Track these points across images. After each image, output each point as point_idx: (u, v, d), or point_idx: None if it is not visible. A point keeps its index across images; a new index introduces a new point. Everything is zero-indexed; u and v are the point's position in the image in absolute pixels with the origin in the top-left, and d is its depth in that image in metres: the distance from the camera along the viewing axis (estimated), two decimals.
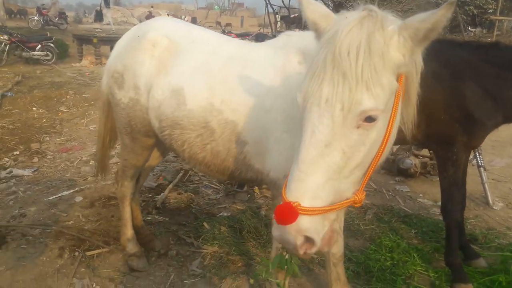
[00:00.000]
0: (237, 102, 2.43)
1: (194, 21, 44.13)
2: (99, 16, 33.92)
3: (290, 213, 1.34)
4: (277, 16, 25.96)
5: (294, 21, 24.93)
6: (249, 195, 5.00)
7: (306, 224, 1.35)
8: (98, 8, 30.78)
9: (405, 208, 4.93)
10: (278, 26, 25.27)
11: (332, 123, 1.37)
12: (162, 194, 4.86)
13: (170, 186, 5.04)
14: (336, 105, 1.35)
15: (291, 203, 1.34)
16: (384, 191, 5.44)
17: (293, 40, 2.47)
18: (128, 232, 3.50)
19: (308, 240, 1.38)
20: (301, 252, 1.40)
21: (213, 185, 5.22)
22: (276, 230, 1.41)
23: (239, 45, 2.75)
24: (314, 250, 1.41)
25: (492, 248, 4.15)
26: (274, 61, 2.42)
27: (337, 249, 2.90)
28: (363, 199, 1.52)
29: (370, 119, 1.38)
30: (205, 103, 2.50)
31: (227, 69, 2.53)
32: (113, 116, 3.20)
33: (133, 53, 2.88)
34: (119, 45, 3.12)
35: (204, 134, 2.52)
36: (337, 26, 1.43)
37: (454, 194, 3.31)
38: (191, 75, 2.62)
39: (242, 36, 21.03)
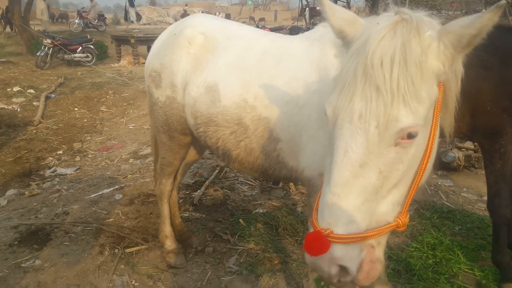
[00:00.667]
0: (271, 98, 2.37)
1: (228, 17, 44.37)
2: (137, 17, 34.84)
3: (320, 243, 1.24)
4: (306, 8, 25.75)
5: (319, 13, 24.65)
6: (284, 192, 4.95)
7: (339, 253, 1.25)
8: (126, 7, 31.88)
9: (448, 204, 4.74)
10: (308, 18, 25.08)
11: (366, 141, 1.25)
12: (198, 191, 4.90)
13: (207, 183, 5.08)
14: (370, 122, 1.24)
15: (322, 231, 1.24)
16: (426, 186, 5.23)
17: (331, 31, 2.37)
18: (166, 229, 3.55)
19: (343, 268, 1.29)
20: (334, 280, 1.31)
21: (248, 182, 5.21)
22: (309, 257, 1.31)
23: (274, 39, 2.69)
24: (348, 278, 1.31)
25: None
26: (310, 54, 2.34)
27: None
28: (407, 222, 1.39)
29: (410, 136, 1.26)
30: (238, 100, 2.47)
31: (261, 64, 2.49)
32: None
33: (170, 51, 2.89)
34: (156, 44, 3.14)
35: (238, 131, 2.49)
36: (368, 34, 1.30)
37: (501, 189, 3.13)
38: (226, 71, 2.59)
39: (276, 30, 20.93)
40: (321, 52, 2.27)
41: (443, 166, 5.65)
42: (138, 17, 35.69)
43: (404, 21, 1.28)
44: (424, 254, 3.66)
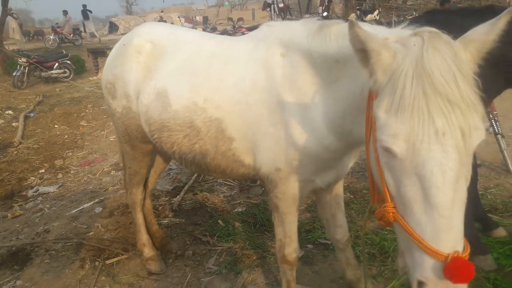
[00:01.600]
0: (220, 99, 2.43)
1: (205, 20, 44.33)
2: (114, 27, 34.61)
3: (469, 267, 1.25)
4: (272, 5, 26.16)
5: (282, 9, 25.03)
6: (263, 188, 5.03)
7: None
8: (83, 21, 31.61)
9: None
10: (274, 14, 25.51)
11: (458, 155, 1.27)
12: (178, 196, 4.96)
13: (186, 187, 5.14)
14: (457, 134, 1.27)
15: (459, 256, 1.25)
16: None
17: (275, 31, 2.40)
18: (143, 237, 3.61)
19: None
20: None
21: (227, 182, 5.28)
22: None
23: (221, 41, 2.75)
24: None
25: None
26: (255, 55, 2.39)
27: (341, 234, 2.91)
28: None
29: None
30: (188, 103, 2.52)
31: (209, 67, 2.55)
32: None
33: (121, 62, 2.96)
34: (110, 55, 3.21)
35: (191, 134, 2.55)
36: (414, 55, 1.35)
37: None
38: (174, 76, 2.65)
39: (253, 29, 21.02)
40: (267, 52, 2.32)
41: None
42: (115, 27, 35.43)
43: (434, 37, 1.36)
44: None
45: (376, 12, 19.33)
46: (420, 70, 1.31)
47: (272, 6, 25.76)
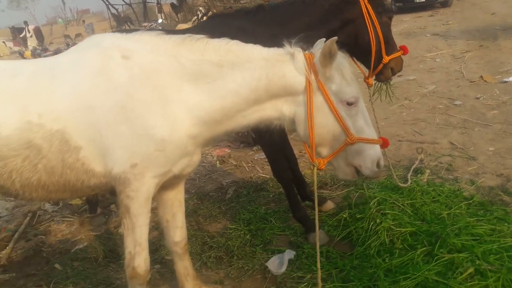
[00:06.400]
0: (58, 109, 2.34)
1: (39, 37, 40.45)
2: None
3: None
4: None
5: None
6: (106, 216, 4.71)
7: None
8: None
9: (263, 175, 5.07)
10: None
11: None
12: (7, 247, 4.35)
13: (16, 235, 4.52)
14: None
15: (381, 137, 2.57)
16: (244, 164, 5.53)
17: (107, 38, 2.53)
18: None
19: None
20: None
21: (65, 219, 4.81)
22: None
23: (39, 61, 2.75)
24: None
25: (340, 188, 4.46)
26: (89, 61, 2.42)
27: (181, 236, 2.92)
28: None
29: None
30: (21, 124, 2.32)
31: (35, 85, 2.42)
32: None
33: None
34: None
35: (31, 154, 2.34)
36: (339, 57, 2.37)
37: (277, 157, 3.45)
38: None
39: None
40: (104, 56, 2.39)
41: (256, 141, 5.98)
42: None
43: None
44: (242, 232, 3.83)
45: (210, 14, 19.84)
46: (347, 63, 2.38)
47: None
